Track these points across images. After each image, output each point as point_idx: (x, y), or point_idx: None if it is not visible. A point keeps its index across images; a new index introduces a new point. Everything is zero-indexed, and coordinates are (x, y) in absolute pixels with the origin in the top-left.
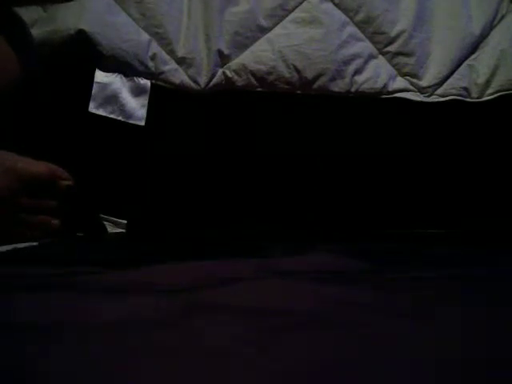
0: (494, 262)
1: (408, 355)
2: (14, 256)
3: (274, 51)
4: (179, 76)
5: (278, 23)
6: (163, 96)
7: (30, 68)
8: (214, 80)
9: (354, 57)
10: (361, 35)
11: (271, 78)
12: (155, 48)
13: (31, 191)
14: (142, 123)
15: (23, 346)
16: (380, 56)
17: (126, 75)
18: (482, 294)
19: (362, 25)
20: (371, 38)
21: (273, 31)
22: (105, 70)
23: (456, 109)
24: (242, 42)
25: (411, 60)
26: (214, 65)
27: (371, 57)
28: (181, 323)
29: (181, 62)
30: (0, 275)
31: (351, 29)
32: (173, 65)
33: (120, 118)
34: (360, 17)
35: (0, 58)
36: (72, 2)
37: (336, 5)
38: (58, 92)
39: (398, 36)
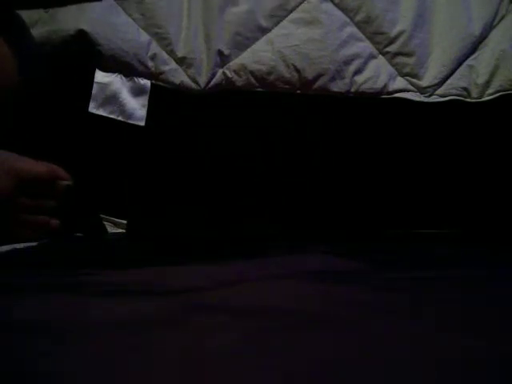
0: (494, 262)
1: (408, 355)
2: (14, 256)
3: (274, 51)
4: (179, 76)
5: (278, 23)
6: (163, 96)
7: (30, 68)
8: (214, 80)
9: (354, 57)
10: (361, 35)
11: (271, 78)
12: (155, 48)
13: (31, 191)
14: (142, 123)
15: (23, 346)
16: (380, 56)
17: (125, 75)
18: (482, 294)
19: (361, 25)
20: (371, 38)
21: (273, 31)
22: (105, 70)
23: (456, 109)
24: (242, 42)
25: (411, 60)
26: (213, 65)
27: (371, 57)
28: (181, 323)
29: (181, 62)
30: (0, 275)
31: (351, 29)
32: (173, 65)
33: (120, 118)
34: (360, 17)
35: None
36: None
37: (336, 5)
38: (58, 92)
39: (398, 36)
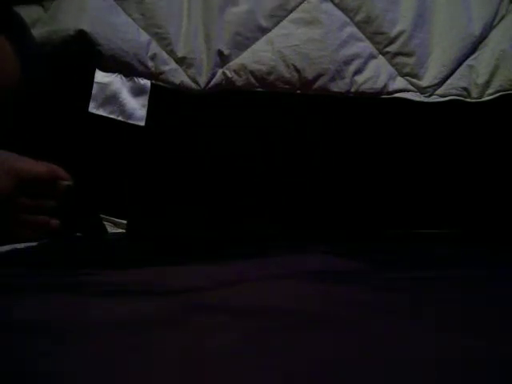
0: (494, 262)
1: (408, 355)
2: (14, 256)
3: (274, 51)
4: (179, 76)
5: (278, 23)
6: (163, 96)
7: (30, 68)
8: (214, 80)
9: (354, 57)
10: (361, 35)
11: (271, 77)
12: (155, 48)
13: (31, 191)
14: (142, 123)
15: (23, 346)
16: (380, 56)
17: (125, 75)
18: (482, 294)
19: (361, 25)
20: (371, 38)
21: (273, 31)
22: (105, 70)
23: (456, 109)
24: (242, 42)
25: (411, 60)
26: (213, 65)
27: (371, 57)
28: (181, 323)
29: (181, 62)
30: (0, 275)
31: (351, 29)
32: (173, 65)
33: (120, 118)
34: (360, 17)
35: (0, 58)
36: (72, 2)
37: (336, 5)
38: (58, 92)
39: (398, 36)
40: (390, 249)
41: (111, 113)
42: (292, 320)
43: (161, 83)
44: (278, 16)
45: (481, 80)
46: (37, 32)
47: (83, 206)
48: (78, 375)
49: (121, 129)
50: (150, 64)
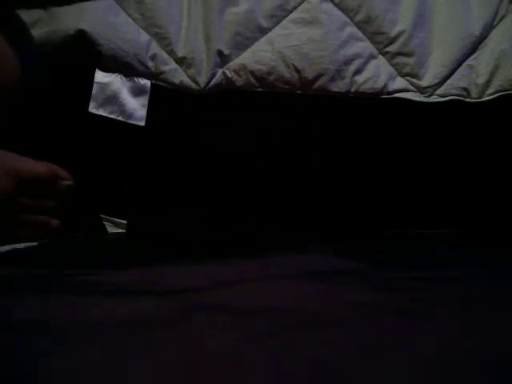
0: (494, 262)
1: (408, 355)
2: (14, 256)
3: (274, 51)
4: (179, 76)
5: (277, 23)
6: (163, 96)
7: (30, 68)
8: (214, 80)
9: (354, 57)
10: (361, 35)
11: (271, 78)
12: (155, 48)
13: (31, 191)
14: (142, 123)
15: (23, 346)
16: (380, 56)
17: (125, 75)
18: (482, 294)
19: (362, 25)
20: (371, 38)
21: (273, 31)
22: (105, 70)
23: (456, 109)
24: (242, 42)
25: (411, 60)
26: (213, 65)
27: (371, 57)
28: (181, 323)
29: (181, 62)
30: (0, 275)
31: (351, 29)
32: (173, 65)
33: (120, 118)
34: (360, 17)
35: (0, 58)
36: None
37: (336, 5)
38: (58, 92)
39: (398, 36)
40: (389, 249)
41: (111, 113)
42: (292, 320)
43: (161, 83)
44: (278, 16)
45: (481, 80)
46: (37, 32)
47: (83, 206)
48: (78, 375)
49: (121, 129)
50: (150, 64)
